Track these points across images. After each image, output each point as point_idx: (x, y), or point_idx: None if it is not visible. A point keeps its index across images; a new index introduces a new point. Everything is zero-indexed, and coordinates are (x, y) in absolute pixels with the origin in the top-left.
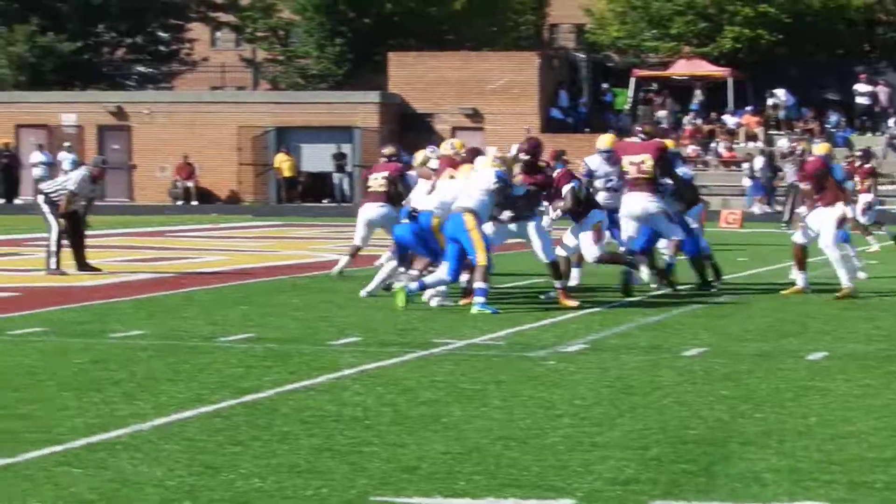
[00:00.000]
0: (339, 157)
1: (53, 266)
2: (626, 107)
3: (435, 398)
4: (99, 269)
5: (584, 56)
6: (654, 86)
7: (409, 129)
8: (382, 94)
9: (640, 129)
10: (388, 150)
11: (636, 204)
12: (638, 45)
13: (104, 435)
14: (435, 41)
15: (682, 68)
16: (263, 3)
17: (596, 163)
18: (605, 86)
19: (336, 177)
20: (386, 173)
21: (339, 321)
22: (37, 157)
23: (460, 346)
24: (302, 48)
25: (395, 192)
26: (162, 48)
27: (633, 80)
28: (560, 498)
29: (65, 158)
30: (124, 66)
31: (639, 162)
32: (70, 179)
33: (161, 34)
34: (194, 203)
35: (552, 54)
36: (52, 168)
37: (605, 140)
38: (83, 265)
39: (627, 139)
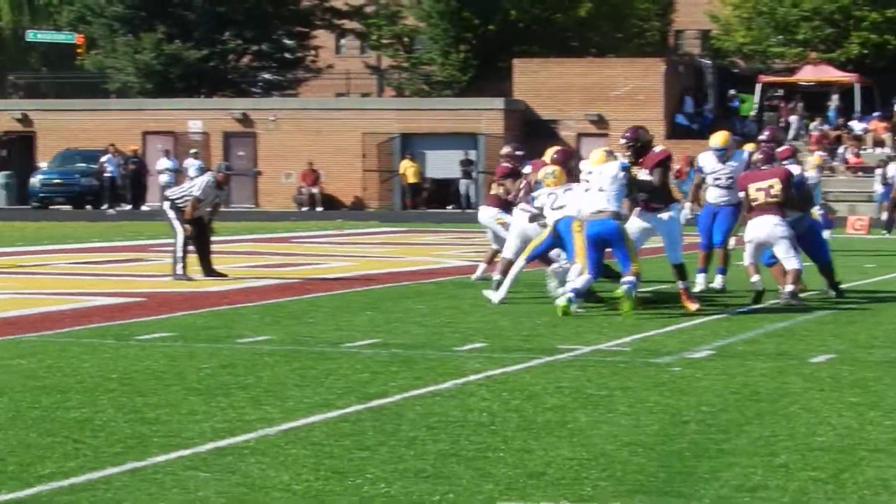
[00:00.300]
0: (467, 164)
1: (180, 272)
2: (752, 113)
3: (561, 404)
4: (225, 275)
5: (709, 62)
6: (781, 92)
7: (533, 135)
8: (507, 101)
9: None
10: (505, 150)
11: (762, 228)
12: (764, 50)
13: (232, 439)
14: (559, 48)
15: (808, 74)
16: (388, 11)
17: (707, 160)
18: (731, 92)
19: (463, 183)
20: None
21: (464, 327)
22: (163, 163)
23: (586, 352)
24: (426, 55)
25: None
26: (287, 55)
27: (758, 87)
28: None
29: (191, 165)
30: (250, 74)
31: (766, 187)
32: (195, 185)
33: (286, 41)
34: (319, 209)
35: (677, 60)
36: (179, 175)
37: (718, 138)
38: (209, 271)
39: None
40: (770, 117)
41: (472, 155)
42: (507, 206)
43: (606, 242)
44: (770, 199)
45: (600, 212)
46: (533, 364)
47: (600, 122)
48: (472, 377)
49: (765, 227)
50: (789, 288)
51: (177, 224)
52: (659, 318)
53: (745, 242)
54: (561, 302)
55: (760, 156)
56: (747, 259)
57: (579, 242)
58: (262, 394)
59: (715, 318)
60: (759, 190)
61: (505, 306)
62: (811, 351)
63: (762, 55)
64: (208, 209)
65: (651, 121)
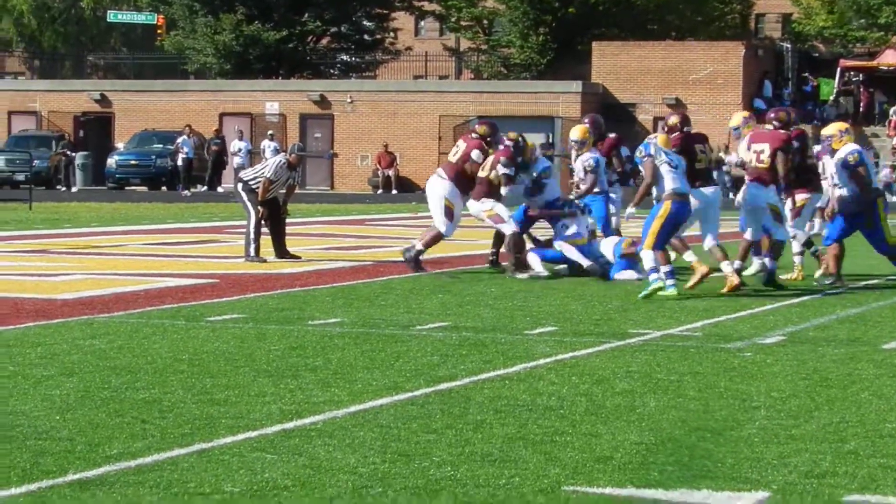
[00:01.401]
0: (547, 147)
1: (252, 253)
2: (831, 97)
3: (630, 388)
4: (298, 257)
5: (789, 46)
6: (860, 76)
7: (611, 118)
8: (585, 84)
9: (773, 115)
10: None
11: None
12: (845, 34)
13: (299, 421)
14: (638, 30)
15: (889, 58)
16: None
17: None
18: (808, 76)
19: None
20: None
21: (535, 310)
22: (237, 145)
23: (656, 337)
24: (505, 37)
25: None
26: (366, 37)
27: (838, 71)
28: (754, 490)
29: (267, 147)
30: (328, 55)
31: (759, 151)
32: (267, 166)
33: (365, 23)
34: (394, 192)
35: (757, 44)
36: (253, 156)
37: (736, 118)
38: (283, 252)
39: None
40: (846, 101)
41: (550, 138)
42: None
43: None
44: (759, 165)
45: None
46: (603, 348)
47: (678, 105)
48: (542, 361)
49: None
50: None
51: (250, 206)
52: (730, 303)
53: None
54: (672, 290)
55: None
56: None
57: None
58: (330, 376)
59: (787, 303)
60: (754, 153)
61: (577, 290)
62: (883, 337)
63: (843, 39)
64: (282, 191)
65: (729, 104)
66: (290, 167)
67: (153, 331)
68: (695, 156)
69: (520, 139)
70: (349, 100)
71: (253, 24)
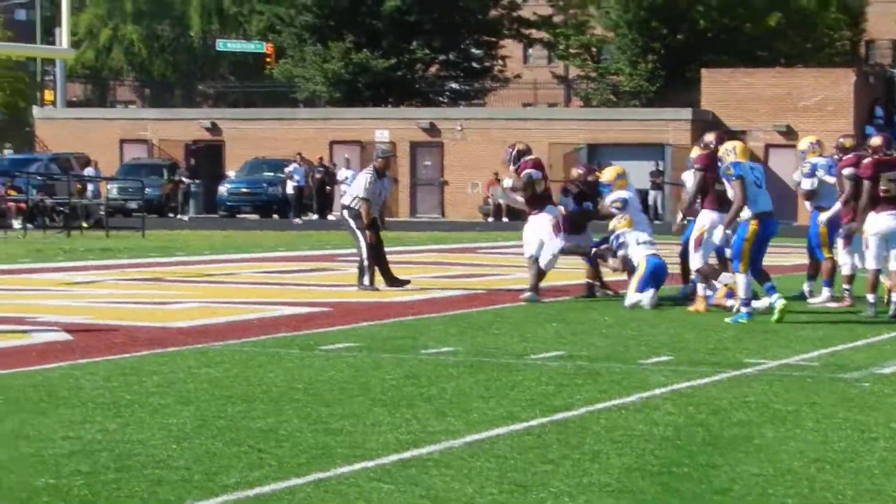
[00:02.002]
0: (657, 174)
1: (367, 283)
2: None
3: (747, 419)
4: (407, 281)
5: None
6: None
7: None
8: (694, 111)
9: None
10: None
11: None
12: None
13: (416, 451)
14: (747, 57)
15: None
16: (576, 20)
17: None
18: None
19: (651, 194)
20: None
21: (649, 339)
22: (344, 173)
23: (772, 367)
24: (614, 65)
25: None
26: (475, 65)
27: None
28: None
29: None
30: (437, 83)
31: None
32: (359, 186)
33: (474, 51)
34: (505, 220)
35: (868, 70)
36: None
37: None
38: (392, 280)
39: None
40: None
41: (661, 165)
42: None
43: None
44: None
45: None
46: (719, 378)
47: (788, 132)
48: (658, 391)
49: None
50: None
51: (358, 232)
52: (847, 332)
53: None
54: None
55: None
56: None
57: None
58: (446, 405)
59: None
60: (890, 181)
61: (691, 319)
62: None
63: None
64: (378, 205)
65: (840, 131)
66: (378, 174)
67: (268, 359)
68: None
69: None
70: (459, 127)
71: (362, 52)
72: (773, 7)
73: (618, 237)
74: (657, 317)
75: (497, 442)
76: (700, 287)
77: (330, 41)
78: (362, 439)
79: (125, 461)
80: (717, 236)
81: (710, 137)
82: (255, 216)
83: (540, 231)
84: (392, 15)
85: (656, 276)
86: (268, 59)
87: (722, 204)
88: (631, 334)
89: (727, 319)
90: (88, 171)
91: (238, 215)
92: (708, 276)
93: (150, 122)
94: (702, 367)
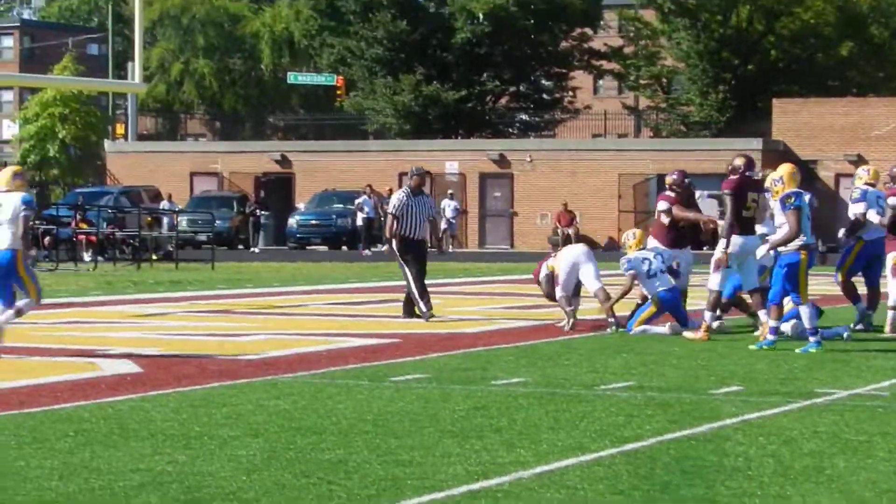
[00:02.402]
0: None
1: (424, 310)
2: None
3: (818, 449)
4: (429, 315)
5: None
6: None
7: None
8: (765, 141)
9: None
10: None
11: None
12: None
13: (485, 482)
14: (819, 87)
15: None
16: (647, 51)
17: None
18: None
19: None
20: None
21: (719, 370)
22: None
23: (843, 397)
24: (684, 95)
25: None
26: (545, 96)
27: None
28: None
29: (447, 206)
30: (507, 115)
31: None
32: (391, 204)
33: (544, 82)
34: None
35: None
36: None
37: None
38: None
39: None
40: None
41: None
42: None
43: None
44: None
45: None
46: (790, 408)
47: (860, 161)
48: (728, 421)
49: None
50: None
51: (400, 262)
52: None
53: None
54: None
55: None
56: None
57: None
58: (515, 436)
59: None
60: None
61: (763, 350)
62: None
63: None
64: (417, 225)
65: None
66: (413, 192)
67: (337, 391)
68: (745, 202)
69: None
70: (529, 158)
71: (432, 85)
72: (844, 37)
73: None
74: (727, 347)
75: (566, 473)
76: (707, 315)
77: (400, 73)
78: (432, 471)
79: (195, 493)
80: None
81: (739, 162)
82: (324, 248)
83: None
84: (462, 47)
85: (671, 310)
86: (338, 92)
87: (745, 229)
88: (701, 364)
89: (798, 350)
90: (164, 204)
91: (307, 247)
92: (716, 305)
93: (221, 154)
94: (772, 397)
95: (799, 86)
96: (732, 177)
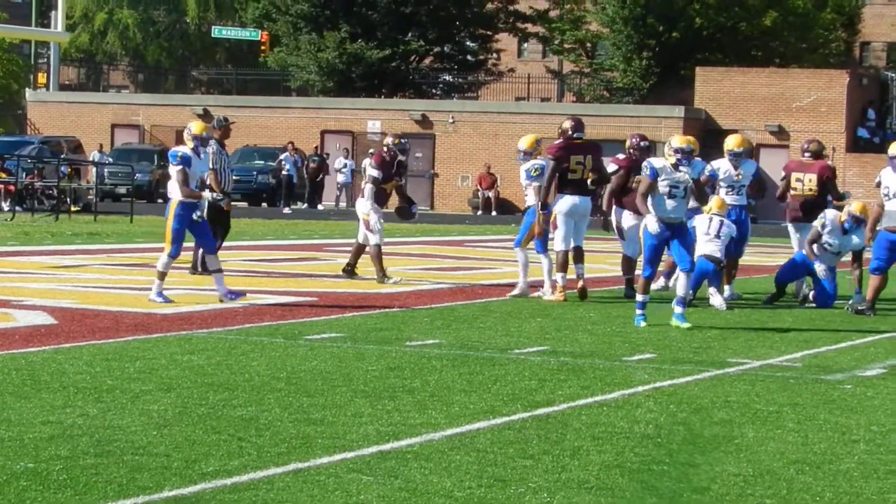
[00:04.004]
0: None
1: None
2: None
3: (728, 418)
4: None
5: (894, 75)
6: None
7: (712, 145)
8: (687, 109)
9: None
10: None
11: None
12: None
13: (395, 443)
14: (742, 57)
15: None
16: (572, 15)
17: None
18: None
19: None
20: None
21: (634, 337)
22: (341, 162)
23: (755, 367)
24: (608, 61)
25: None
26: (469, 58)
27: None
28: None
29: (368, 165)
30: (431, 75)
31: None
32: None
33: (469, 44)
34: (494, 213)
35: (862, 72)
36: (355, 174)
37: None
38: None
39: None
40: None
41: None
42: None
43: None
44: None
45: None
46: (702, 377)
47: (781, 132)
48: (640, 388)
49: None
50: None
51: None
52: (830, 335)
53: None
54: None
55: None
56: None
57: None
58: (428, 398)
59: (888, 335)
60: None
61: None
62: None
63: None
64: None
65: (832, 133)
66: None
67: (251, 348)
68: (570, 165)
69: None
70: (451, 120)
71: (356, 43)
72: (768, 7)
73: None
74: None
75: (477, 436)
76: (559, 276)
77: (325, 31)
78: (343, 430)
79: (105, 447)
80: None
81: (567, 125)
82: (244, 204)
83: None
84: (388, 6)
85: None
86: (262, 47)
87: (576, 190)
88: (616, 331)
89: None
90: (95, 154)
91: None
92: (564, 265)
93: (143, 107)
94: (685, 365)
95: (722, 54)
96: (557, 141)
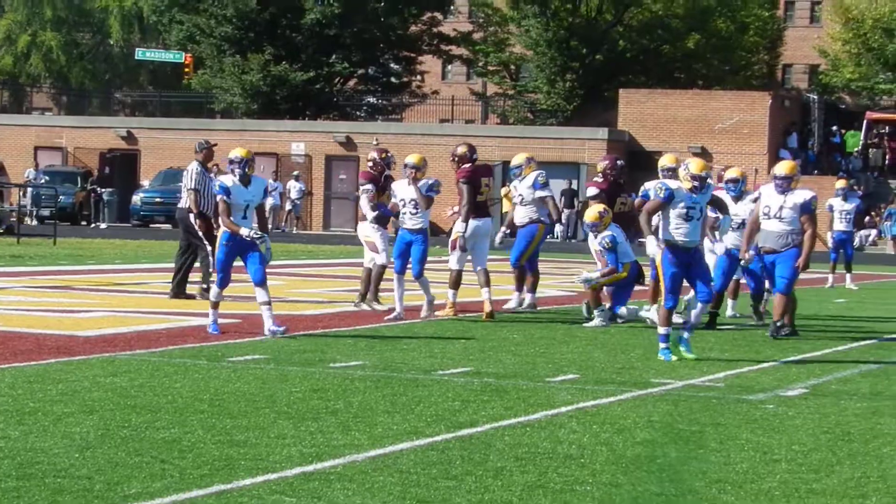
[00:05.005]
0: (570, 193)
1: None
2: (856, 150)
3: (651, 438)
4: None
5: (816, 97)
6: (886, 129)
7: (636, 166)
8: (611, 131)
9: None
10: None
11: None
12: (871, 87)
13: (319, 464)
14: (665, 79)
15: None
16: (496, 38)
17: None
18: (834, 128)
19: (565, 213)
20: None
21: (557, 357)
22: (271, 185)
23: (678, 387)
24: (532, 83)
25: None
26: (393, 80)
27: (865, 123)
28: None
29: (292, 187)
30: (355, 97)
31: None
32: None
33: (393, 66)
34: None
35: (784, 94)
36: (283, 197)
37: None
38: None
39: None
40: (874, 154)
41: (575, 184)
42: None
43: None
44: None
45: None
46: (625, 397)
47: (703, 154)
48: (564, 409)
49: None
50: None
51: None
52: (753, 354)
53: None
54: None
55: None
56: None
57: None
58: (351, 419)
59: (810, 355)
60: None
61: (600, 338)
62: None
63: (870, 92)
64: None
65: (755, 154)
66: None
67: (175, 370)
68: (479, 187)
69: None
70: (375, 141)
71: (280, 65)
72: (691, 29)
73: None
74: (567, 335)
75: (401, 457)
76: (450, 293)
77: (249, 53)
78: (266, 452)
79: (27, 469)
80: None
81: (462, 150)
82: (168, 226)
83: None
84: (312, 28)
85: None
86: (186, 70)
87: (478, 213)
88: (539, 352)
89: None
90: (30, 172)
91: (151, 225)
92: (457, 283)
93: (66, 129)
94: (608, 385)
95: (646, 77)
96: (465, 165)
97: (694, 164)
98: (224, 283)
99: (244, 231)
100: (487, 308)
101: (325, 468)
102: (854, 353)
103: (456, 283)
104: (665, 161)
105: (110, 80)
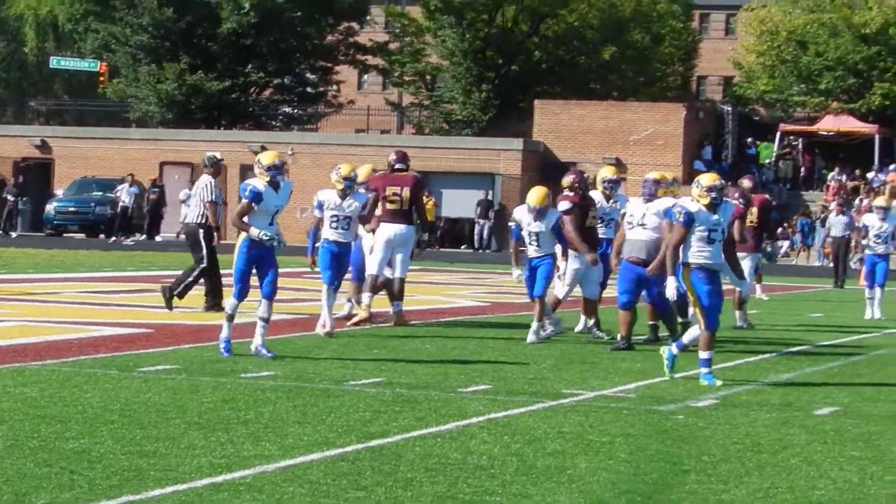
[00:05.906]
0: (485, 204)
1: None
2: (770, 161)
3: (561, 449)
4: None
5: (730, 109)
6: (800, 141)
7: (551, 177)
8: (526, 142)
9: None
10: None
11: None
12: (785, 99)
13: (228, 475)
14: (581, 90)
15: (828, 124)
16: (412, 48)
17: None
18: (749, 139)
19: (479, 223)
20: None
21: (469, 368)
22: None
23: (590, 398)
24: (448, 93)
25: None
26: (309, 90)
27: (778, 135)
28: None
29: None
30: (271, 107)
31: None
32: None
33: (309, 76)
34: None
35: (699, 106)
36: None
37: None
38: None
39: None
40: (786, 165)
41: (490, 195)
42: None
43: None
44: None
45: None
46: (536, 408)
47: (618, 165)
48: (475, 419)
49: None
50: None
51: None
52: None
53: None
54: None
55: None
56: None
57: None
58: (261, 430)
59: (721, 366)
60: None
61: (513, 349)
62: (816, 403)
63: (783, 103)
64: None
65: (669, 165)
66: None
67: (85, 380)
68: (388, 195)
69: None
70: (290, 151)
71: (196, 74)
72: (607, 41)
73: None
74: (480, 346)
75: (311, 468)
76: (365, 296)
77: (165, 62)
78: (176, 462)
79: None
80: None
81: (392, 158)
82: (81, 235)
83: None
84: (228, 37)
85: None
86: (101, 78)
87: (393, 219)
88: (451, 363)
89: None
90: None
91: (65, 234)
92: (375, 288)
93: None
94: (520, 396)
95: (561, 88)
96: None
97: (706, 178)
98: (243, 294)
99: (254, 231)
100: (363, 315)
101: (235, 479)
102: (764, 364)
103: (373, 287)
104: (605, 173)
105: (25, 88)
